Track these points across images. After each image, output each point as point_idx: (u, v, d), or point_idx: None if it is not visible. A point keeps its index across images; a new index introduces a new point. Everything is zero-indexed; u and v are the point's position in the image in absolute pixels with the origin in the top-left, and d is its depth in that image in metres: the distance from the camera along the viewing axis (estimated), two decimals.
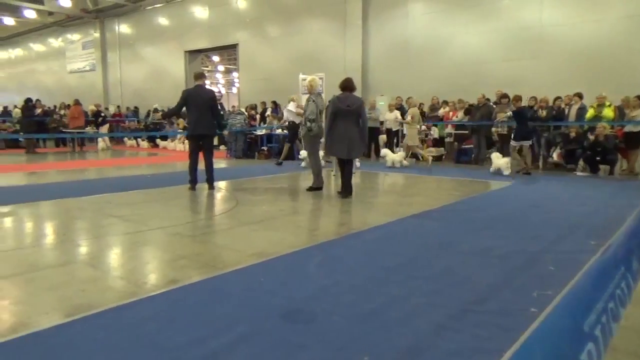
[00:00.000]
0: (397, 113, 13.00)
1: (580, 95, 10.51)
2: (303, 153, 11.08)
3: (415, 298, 3.00)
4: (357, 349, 2.33)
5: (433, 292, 3.09)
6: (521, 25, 12.49)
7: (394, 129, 13.13)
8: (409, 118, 11.75)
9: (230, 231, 4.88)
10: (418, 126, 11.77)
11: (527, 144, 10.02)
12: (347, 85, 6.77)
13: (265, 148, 14.35)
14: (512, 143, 10.01)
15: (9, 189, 7.75)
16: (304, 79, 13.09)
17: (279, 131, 14.28)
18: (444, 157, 12.93)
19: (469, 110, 12.21)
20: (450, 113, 12.73)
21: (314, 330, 2.52)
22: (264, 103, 16.60)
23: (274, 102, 15.96)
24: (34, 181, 9.03)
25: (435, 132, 13.47)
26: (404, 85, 14.42)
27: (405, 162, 11.34)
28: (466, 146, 12.33)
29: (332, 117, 6.64)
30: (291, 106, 11.69)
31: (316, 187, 7.40)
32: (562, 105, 10.83)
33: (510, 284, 3.29)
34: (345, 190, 6.87)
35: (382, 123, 13.43)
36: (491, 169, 10.00)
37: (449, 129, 12.99)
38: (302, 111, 9.99)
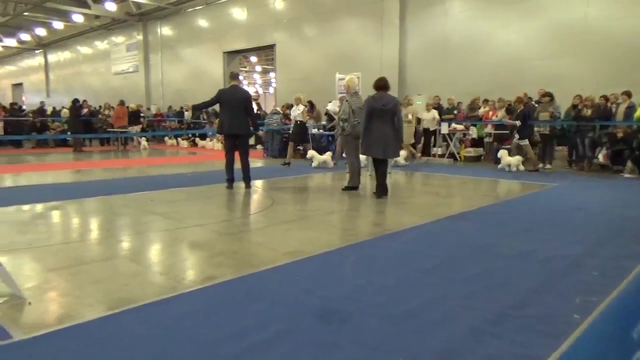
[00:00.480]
0: (435, 112, 12.81)
1: (628, 94, 10.05)
2: (311, 152, 11.13)
3: (451, 301, 2.95)
4: (391, 350, 2.32)
5: (470, 295, 3.04)
6: (565, 21, 12.05)
7: (431, 129, 12.94)
8: (410, 117, 11.66)
9: (266, 229, 4.94)
10: (414, 125, 11.68)
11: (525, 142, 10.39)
12: (381, 85, 6.74)
13: (300, 147, 14.43)
14: (519, 142, 10.40)
15: (58, 186, 8.11)
16: (341, 79, 13.10)
17: (315, 130, 14.33)
18: (482, 157, 12.65)
19: (510, 110, 11.89)
20: (490, 112, 12.43)
21: (348, 330, 2.53)
22: None
23: (310, 102, 16.03)
24: (80, 179, 9.41)
25: (474, 132, 13.19)
26: (442, 84, 14.20)
27: (403, 161, 11.12)
28: (506, 147, 11.99)
29: (368, 116, 6.62)
30: (299, 106, 11.71)
31: (352, 187, 7.39)
32: (609, 104, 10.39)
33: (551, 289, 3.19)
34: (381, 191, 6.83)
35: (419, 122, 13.27)
36: (499, 166, 10.43)
37: (488, 129, 12.69)
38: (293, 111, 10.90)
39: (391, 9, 15.22)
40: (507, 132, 11.85)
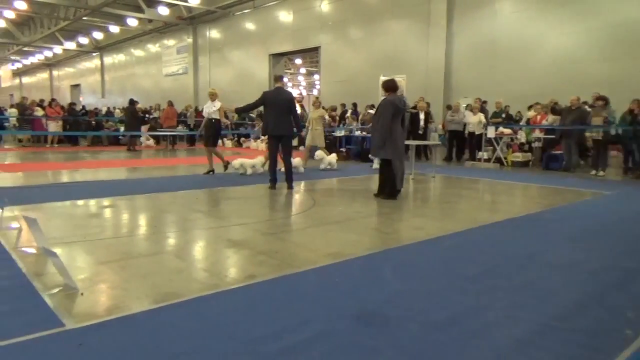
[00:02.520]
0: (481, 115, 12.52)
1: None
2: (319, 153, 10.91)
3: (494, 310, 2.87)
4: (431, 357, 2.28)
5: (514, 305, 2.95)
6: (621, 22, 11.49)
7: (477, 132, 12.65)
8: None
9: (307, 230, 4.98)
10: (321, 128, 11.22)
11: None
12: (395, 86, 6.80)
13: (344, 149, 14.45)
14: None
15: (110, 183, 8.47)
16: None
17: (358, 133, 14.32)
18: (531, 163, 12.23)
19: (555, 109, 11.44)
20: (539, 116, 12.00)
21: (387, 335, 2.51)
22: (343, 105, 16.73)
23: (354, 104, 16.04)
24: (132, 176, 9.80)
25: (522, 137, 12.78)
26: (489, 86, 13.86)
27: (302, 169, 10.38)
28: (556, 152, 11.54)
29: (391, 118, 6.62)
30: (215, 103, 11.36)
31: (396, 190, 7.33)
32: None
33: (602, 301, 3.05)
34: (390, 192, 6.85)
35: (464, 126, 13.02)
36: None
37: (537, 133, 12.26)
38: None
39: (438, 11, 15.00)
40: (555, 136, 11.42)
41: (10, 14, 26.27)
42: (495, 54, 13.93)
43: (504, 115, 12.85)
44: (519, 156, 12.19)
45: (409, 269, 3.69)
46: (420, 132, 13.17)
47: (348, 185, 8.71)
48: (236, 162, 9.57)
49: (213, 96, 9.71)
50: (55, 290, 3.00)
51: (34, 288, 3.04)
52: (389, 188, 6.90)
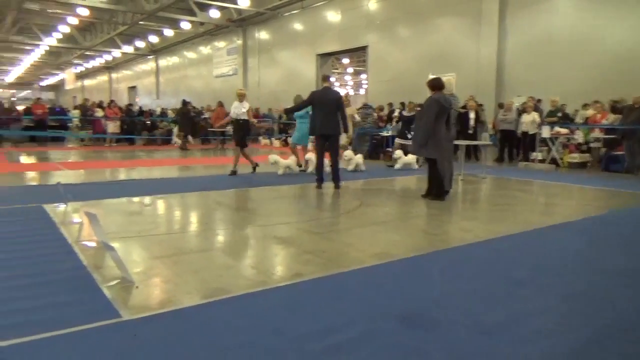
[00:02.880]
0: (535, 115, 12.05)
1: None
2: (348, 154, 10.49)
3: (547, 316, 2.76)
4: None
5: (568, 312, 2.83)
6: None
7: (530, 132, 12.18)
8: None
9: (354, 230, 4.98)
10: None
11: None
12: (440, 84, 6.69)
13: (390, 149, 14.31)
14: None
15: (164, 181, 8.80)
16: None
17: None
18: (589, 164, 11.65)
19: (616, 108, 10.82)
20: (598, 115, 11.40)
21: (435, 337, 2.47)
22: (390, 104, 16.57)
23: (402, 104, 15.82)
24: (183, 174, 10.13)
25: (579, 137, 12.20)
26: (544, 84, 13.30)
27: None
28: (617, 153, 10.93)
29: (435, 117, 6.52)
30: (244, 104, 11.19)
31: (443, 191, 7.20)
32: None
33: None
34: (438, 192, 6.74)
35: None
36: None
37: (596, 133, 11.66)
38: None
39: (490, 8, 14.56)
40: (616, 136, 10.81)
41: (73, 20, 27.90)
42: (551, 50, 13.35)
43: (560, 114, 12.30)
44: (575, 157, 11.65)
45: (457, 271, 3.61)
46: (470, 131, 12.83)
47: (394, 186, 8.63)
48: (272, 157, 9.65)
49: (242, 97, 9.55)
50: (113, 283, 3.15)
51: (94, 280, 3.21)
52: (436, 189, 6.78)
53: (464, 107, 13.08)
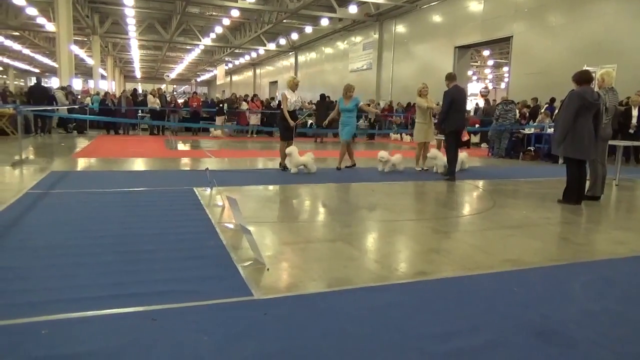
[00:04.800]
0: None
1: None
2: (434, 152, 9.25)
3: None
4: None
5: None
6: None
7: None
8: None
9: (484, 232, 4.71)
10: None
11: None
12: (587, 78, 6.12)
13: (532, 148, 13.21)
14: None
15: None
16: (592, 72, 11.49)
17: (550, 130, 12.92)
18: None
19: None
20: None
21: (572, 358, 2.23)
22: (535, 99, 15.27)
23: (552, 99, 14.47)
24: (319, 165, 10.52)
25: None
26: None
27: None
28: None
29: (576, 113, 5.97)
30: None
31: (593, 196, 6.47)
32: None
33: None
34: (578, 196, 6.21)
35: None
36: None
37: None
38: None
39: None
40: None
41: (226, 21, 30.71)
42: None
43: None
44: None
45: (605, 287, 3.21)
46: (631, 131, 11.26)
47: (535, 188, 7.95)
48: (396, 156, 9.08)
49: (297, 86, 8.83)
50: (247, 264, 3.41)
51: (231, 259, 3.50)
52: (569, 192, 6.23)
53: (626, 103, 11.51)
